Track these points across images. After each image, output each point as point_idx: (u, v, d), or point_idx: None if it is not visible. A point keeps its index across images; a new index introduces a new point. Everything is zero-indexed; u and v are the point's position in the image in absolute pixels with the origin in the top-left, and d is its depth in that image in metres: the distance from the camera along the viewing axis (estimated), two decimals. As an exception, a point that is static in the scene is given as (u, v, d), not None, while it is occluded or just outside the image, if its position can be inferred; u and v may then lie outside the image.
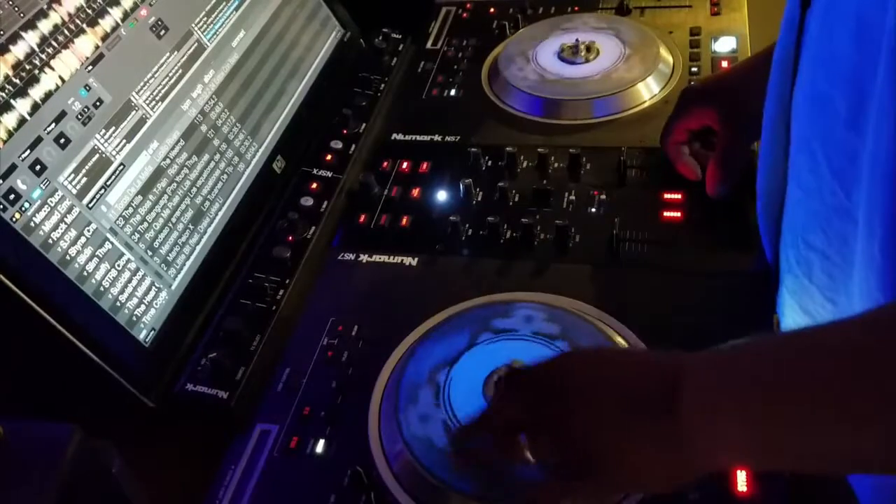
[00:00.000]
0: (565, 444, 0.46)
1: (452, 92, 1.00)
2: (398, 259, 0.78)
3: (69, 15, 0.68)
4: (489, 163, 0.87)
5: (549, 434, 0.47)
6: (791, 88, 0.53)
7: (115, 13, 0.72)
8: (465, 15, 1.14)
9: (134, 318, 0.67)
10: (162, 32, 0.77)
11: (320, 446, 0.63)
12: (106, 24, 0.71)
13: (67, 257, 0.62)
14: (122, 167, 0.69)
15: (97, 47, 0.69)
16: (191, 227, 0.75)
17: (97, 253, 0.65)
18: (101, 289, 0.64)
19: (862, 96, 0.44)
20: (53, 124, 0.64)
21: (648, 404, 0.42)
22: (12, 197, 0.60)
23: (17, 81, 0.62)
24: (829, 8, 0.48)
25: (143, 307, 0.68)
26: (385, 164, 0.90)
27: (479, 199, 0.83)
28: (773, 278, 0.64)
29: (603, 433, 0.44)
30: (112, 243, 0.66)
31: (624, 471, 0.44)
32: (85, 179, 0.66)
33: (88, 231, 0.65)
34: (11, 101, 0.61)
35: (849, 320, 0.39)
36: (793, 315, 0.61)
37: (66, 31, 0.67)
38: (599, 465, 0.44)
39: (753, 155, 0.77)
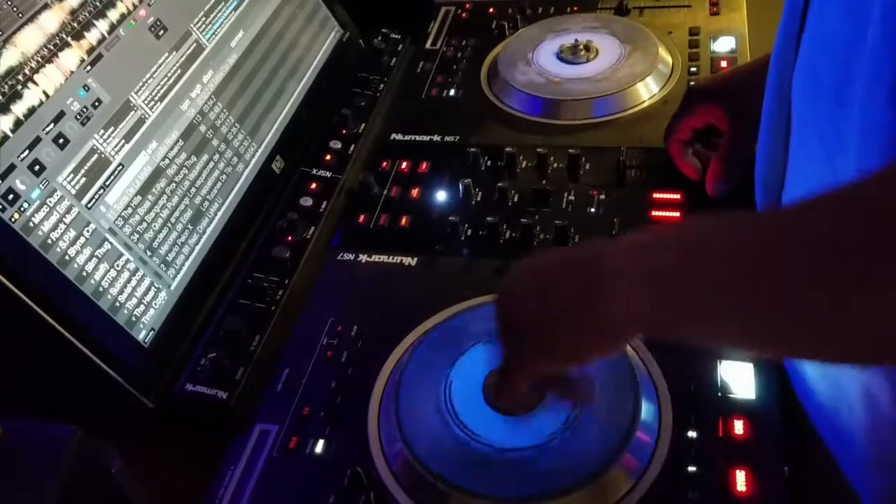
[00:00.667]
0: (517, 325, 0.50)
1: (452, 92, 1.00)
2: (397, 259, 0.78)
3: (68, 15, 0.68)
4: (488, 163, 0.87)
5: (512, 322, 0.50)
6: (791, 76, 0.53)
7: (114, 13, 0.72)
8: (464, 15, 1.14)
9: (133, 319, 0.67)
10: (161, 33, 0.77)
11: (320, 446, 0.63)
12: (105, 24, 0.71)
13: (67, 257, 0.62)
14: (121, 167, 0.69)
15: (96, 47, 0.69)
16: (190, 227, 0.75)
17: (96, 253, 0.65)
18: (101, 289, 0.64)
19: (848, 70, 0.44)
20: (52, 124, 0.64)
21: (581, 278, 0.45)
22: (11, 197, 0.60)
23: (17, 81, 0.62)
24: None
25: (142, 307, 0.68)
26: (384, 164, 0.90)
27: (479, 199, 0.83)
28: None
29: (545, 305, 0.47)
30: (111, 243, 0.66)
31: (555, 333, 0.47)
32: (84, 179, 0.66)
33: (87, 231, 0.65)
34: (10, 101, 0.61)
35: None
36: None
37: (64, 32, 0.67)
38: (539, 327, 0.48)
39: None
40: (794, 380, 0.61)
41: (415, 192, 0.85)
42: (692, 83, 0.90)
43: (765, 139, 0.60)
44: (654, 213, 0.77)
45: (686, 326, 0.42)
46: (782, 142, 0.57)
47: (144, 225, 0.70)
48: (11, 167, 0.60)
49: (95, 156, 0.67)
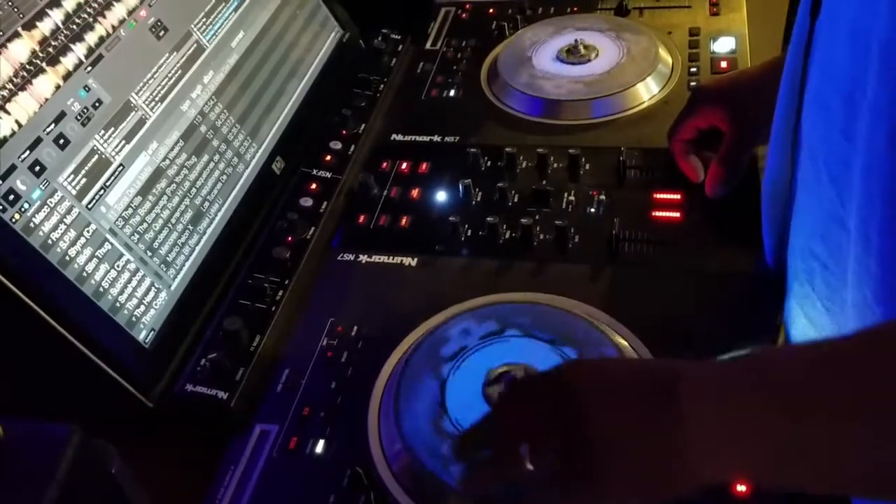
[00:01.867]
0: (569, 448, 0.45)
1: (452, 92, 1.00)
2: (398, 259, 0.78)
3: (68, 16, 0.68)
4: (488, 163, 0.87)
5: (555, 436, 0.46)
6: (801, 95, 0.54)
7: (115, 14, 0.72)
8: (464, 15, 1.14)
9: (133, 319, 0.67)
10: (161, 33, 0.77)
11: (320, 447, 0.63)
12: (105, 24, 0.71)
13: (67, 258, 0.62)
14: (121, 168, 0.69)
15: (96, 48, 0.70)
16: (190, 227, 0.75)
17: (97, 253, 0.65)
18: (101, 289, 0.64)
19: (854, 104, 0.44)
20: (53, 125, 0.64)
21: (651, 413, 0.42)
22: (12, 198, 0.60)
23: (17, 82, 0.62)
24: (832, 15, 0.48)
25: (142, 308, 0.68)
26: (384, 164, 0.90)
27: (479, 199, 0.83)
28: (780, 285, 0.64)
29: (608, 435, 0.44)
30: (111, 244, 0.66)
31: (624, 474, 0.44)
32: (84, 180, 0.66)
33: (88, 232, 0.65)
34: (11, 101, 0.61)
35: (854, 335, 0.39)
36: (799, 324, 0.61)
37: (65, 32, 0.67)
38: (601, 469, 0.44)
39: (755, 158, 0.77)
40: None
41: (415, 193, 0.85)
42: (697, 84, 0.90)
43: (774, 152, 0.60)
44: (655, 213, 0.77)
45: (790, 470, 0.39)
46: (789, 158, 0.57)
47: (145, 225, 0.70)
48: (12, 168, 0.60)
49: (96, 156, 0.67)
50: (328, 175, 0.87)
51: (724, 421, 0.40)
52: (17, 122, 0.62)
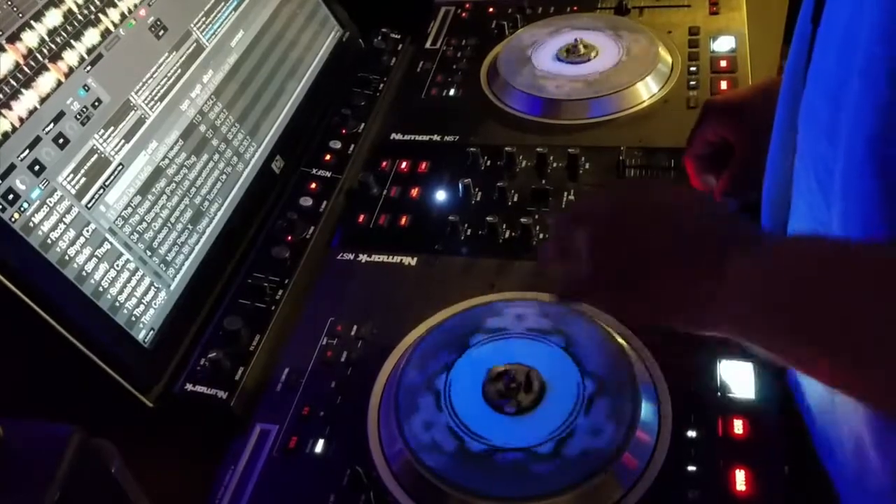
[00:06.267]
0: (616, 251, 0.51)
1: (451, 92, 1.00)
2: (397, 259, 0.78)
3: (68, 15, 0.68)
4: (488, 162, 0.87)
5: (621, 246, 0.52)
6: (800, 101, 0.54)
7: (114, 13, 0.72)
8: (464, 15, 1.14)
9: (133, 318, 0.67)
10: (161, 32, 0.77)
11: (320, 446, 0.63)
12: (105, 23, 0.71)
13: (66, 257, 0.62)
14: (120, 167, 0.69)
15: (96, 47, 0.69)
16: (190, 227, 0.75)
17: (96, 253, 0.65)
18: (101, 289, 0.64)
19: (838, 109, 0.44)
20: (52, 124, 0.64)
21: (699, 266, 0.47)
22: (11, 197, 0.60)
23: (16, 81, 0.62)
24: (829, 22, 0.48)
25: (142, 307, 0.68)
26: (384, 163, 0.90)
27: (478, 198, 0.83)
28: None
29: (654, 255, 0.49)
30: (111, 243, 0.66)
31: (664, 293, 0.49)
32: (84, 179, 0.66)
33: (87, 231, 0.65)
34: (10, 100, 0.61)
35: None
36: None
37: (64, 32, 0.67)
38: (649, 282, 0.50)
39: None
40: (796, 396, 0.61)
41: (414, 192, 0.85)
42: (708, 98, 0.90)
43: (773, 158, 0.61)
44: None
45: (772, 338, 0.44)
46: (789, 165, 0.57)
47: (144, 225, 0.70)
48: (11, 167, 0.60)
49: (95, 156, 0.67)
50: (328, 174, 0.87)
51: (755, 304, 0.44)
52: (16, 120, 0.61)
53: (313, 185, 0.86)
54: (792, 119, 0.55)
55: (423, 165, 0.89)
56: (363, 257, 0.79)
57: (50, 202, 0.62)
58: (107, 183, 0.67)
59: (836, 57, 0.45)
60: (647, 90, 0.92)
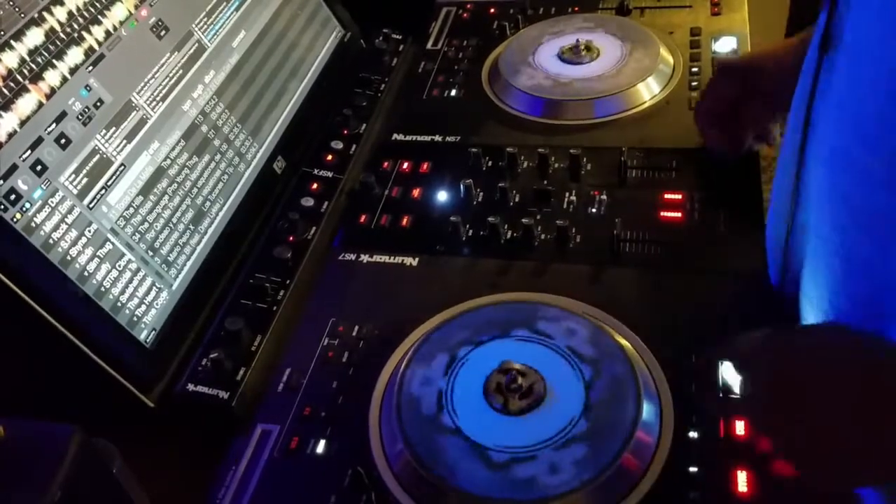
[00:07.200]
0: (812, 425, 0.47)
1: (453, 92, 1.00)
2: (399, 259, 0.78)
3: (70, 15, 0.68)
4: (489, 163, 0.87)
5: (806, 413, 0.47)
6: (804, 137, 0.54)
7: (116, 14, 0.72)
8: (465, 15, 1.14)
9: (135, 319, 0.67)
10: (162, 33, 0.77)
11: (321, 446, 0.63)
12: (106, 24, 0.71)
13: (68, 258, 0.62)
14: (122, 167, 0.69)
15: (98, 47, 0.70)
16: (191, 227, 0.75)
17: (98, 253, 0.65)
18: (102, 289, 0.64)
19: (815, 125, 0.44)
20: (54, 124, 0.64)
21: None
22: (13, 197, 0.60)
23: (18, 81, 0.62)
24: (855, 59, 0.46)
25: (143, 307, 0.68)
26: (385, 164, 0.90)
27: (480, 199, 0.83)
28: (781, 286, 0.64)
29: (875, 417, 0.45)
30: (113, 244, 0.66)
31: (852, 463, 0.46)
32: (86, 180, 0.66)
33: (89, 231, 0.65)
34: (12, 101, 0.61)
35: None
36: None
37: (66, 32, 0.67)
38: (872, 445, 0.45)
39: (757, 162, 0.78)
40: None
41: (416, 193, 0.85)
42: (722, 58, 0.93)
43: (781, 174, 0.61)
44: (656, 213, 0.77)
45: None
46: (794, 175, 0.57)
47: (146, 225, 0.70)
48: (13, 167, 0.60)
49: (97, 156, 0.67)
50: (329, 175, 0.87)
51: None
52: (18, 121, 0.62)
53: (315, 186, 0.86)
54: (798, 139, 0.55)
55: (425, 166, 0.89)
56: (364, 258, 0.79)
57: (52, 202, 0.62)
58: (109, 183, 0.68)
59: (887, 98, 0.43)
60: (648, 91, 0.91)
